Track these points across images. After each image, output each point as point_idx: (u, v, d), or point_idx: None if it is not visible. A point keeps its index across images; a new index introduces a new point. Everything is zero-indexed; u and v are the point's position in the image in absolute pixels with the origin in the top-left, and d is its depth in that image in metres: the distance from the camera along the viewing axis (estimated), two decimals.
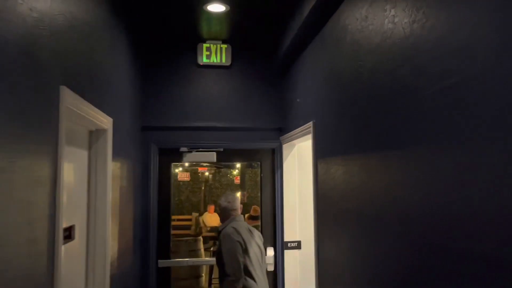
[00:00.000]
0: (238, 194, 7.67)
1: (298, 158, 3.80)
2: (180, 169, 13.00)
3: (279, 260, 3.77)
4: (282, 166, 3.79)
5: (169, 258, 3.74)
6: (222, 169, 13.81)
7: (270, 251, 3.79)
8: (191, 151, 3.77)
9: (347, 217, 2.10)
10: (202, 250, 6.48)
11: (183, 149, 3.73)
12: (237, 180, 12.84)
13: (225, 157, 3.88)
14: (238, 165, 8.88)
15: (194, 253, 6.21)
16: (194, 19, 3.27)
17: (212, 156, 3.79)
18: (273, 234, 3.84)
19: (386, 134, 1.61)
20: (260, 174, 3.92)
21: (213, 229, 11.07)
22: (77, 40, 1.74)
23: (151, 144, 3.67)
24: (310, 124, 2.80)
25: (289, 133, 3.47)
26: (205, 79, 3.78)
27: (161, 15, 3.16)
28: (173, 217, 12.46)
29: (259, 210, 4.01)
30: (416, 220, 1.33)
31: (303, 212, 3.74)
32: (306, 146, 3.70)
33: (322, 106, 2.59)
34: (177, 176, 12.64)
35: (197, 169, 12.75)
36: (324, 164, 2.51)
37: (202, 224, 11.38)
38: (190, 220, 12.58)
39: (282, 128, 3.79)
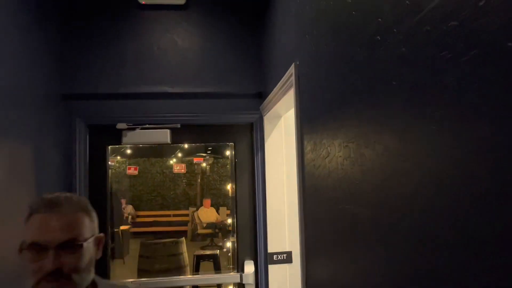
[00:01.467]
0: (229, 186, 6.51)
1: (286, 134, 2.68)
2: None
3: (261, 279, 2.68)
4: (264, 147, 2.68)
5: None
6: (221, 160, 12.76)
7: (249, 267, 2.70)
8: (134, 129, 2.67)
9: (355, 225, 1.00)
10: (185, 254, 5.40)
11: (121, 125, 2.63)
12: None
13: (184, 137, 2.78)
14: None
15: (174, 259, 5.14)
16: None
17: (165, 135, 2.69)
18: (253, 243, 2.74)
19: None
20: (234, 159, 2.81)
21: (209, 225, 10.07)
22: None
23: (76, 119, 2.58)
24: (291, 70, 1.68)
25: (269, 95, 2.35)
26: (151, 26, 2.66)
27: None
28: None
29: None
30: None
31: (294, 211, 2.64)
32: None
33: (310, 38, 1.47)
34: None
35: (193, 160, 11.74)
36: (315, 137, 1.40)
37: (197, 220, 10.35)
38: (187, 215, 11.58)
39: (263, 93, 2.67)
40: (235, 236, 2.83)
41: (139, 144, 2.85)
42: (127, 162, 12.07)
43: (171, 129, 2.71)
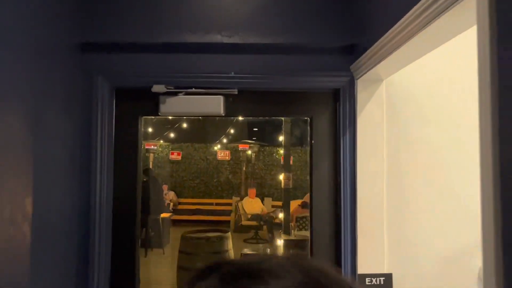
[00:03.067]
0: (281, 177, 5.88)
1: (390, 107, 1.85)
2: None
3: None
4: (355, 123, 1.87)
5: None
6: (268, 148, 12.00)
7: None
8: (176, 94, 1.94)
9: None
10: (231, 252, 4.71)
11: (158, 88, 1.90)
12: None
13: (242, 107, 2.01)
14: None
15: (218, 257, 4.46)
16: None
17: (216, 104, 1.94)
18: (334, 256, 1.95)
19: None
20: (310, 140, 2.02)
21: (254, 217, 9.37)
22: None
23: (97, 78, 1.89)
24: None
25: (374, 47, 1.53)
26: None
27: None
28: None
29: None
30: None
31: (399, 216, 1.83)
32: (410, 79, 1.79)
33: None
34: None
35: (238, 147, 11.07)
36: None
37: (241, 211, 9.70)
38: (230, 205, 10.97)
39: (358, 46, 1.85)
40: (308, 245, 2.06)
41: (181, 115, 2.11)
42: (170, 147, 11.63)
43: (225, 95, 1.96)
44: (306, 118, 2.04)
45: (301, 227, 5.73)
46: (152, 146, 10.44)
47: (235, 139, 10.76)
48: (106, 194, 1.89)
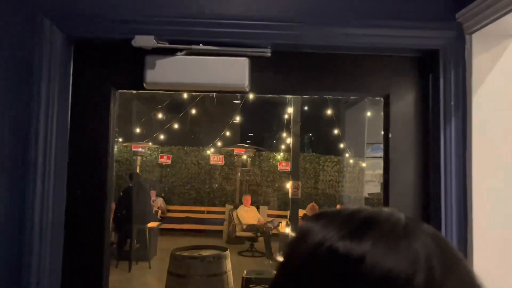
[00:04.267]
0: (289, 185, 5.09)
1: None
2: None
3: None
4: (465, 107, 1.14)
5: None
6: (264, 152, 11.22)
7: None
8: (172, 52, 1.19)
9: None
10: (230, 274, 3.93)
11: (144, 40, 1.15)
12: (284, 166, 10.16)
13: (278, 79, 1.26)
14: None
15: (215, 280, 3.69)
16: None
17: (239, 72, 1.19)
18: None
19: None
20: (385, 132, 1.28)
21: (250, 227, 8.56)
22: None
23: (43, 23, 1.14)
24: None
25: None
26: None
27: None
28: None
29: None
30: None
31: None
32: None
33: None
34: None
35: (232, 151, 10.29)
36: None
37: (236, 221, 8.91)
38: (223, 213, 10.15)
39: None
40: None
41: (180, 90, 1.33)
42: (160, 150, 10.80)
43: (252, 58, 1.21)
44: (378, 97, 1.30)
45: None
46: (140, 149, 9.65)
47: (229, 142, 10.00)
48: (53, 200, 1.13)
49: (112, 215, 7.48)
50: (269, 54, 1.21)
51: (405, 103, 1.24)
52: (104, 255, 1.21)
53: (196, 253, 3.96)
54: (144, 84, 1.21)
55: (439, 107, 1.17)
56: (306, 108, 7.84)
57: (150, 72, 1.20)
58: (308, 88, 1.27)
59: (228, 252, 3.97)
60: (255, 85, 1.23)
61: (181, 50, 1.19)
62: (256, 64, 1.23)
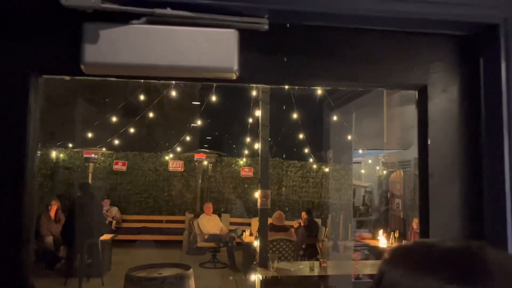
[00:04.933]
0: (257, 194, 4.66)
1: None
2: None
3: None
4: None
5: None
6: (226, 158, 10.79)
7: None
8: (126, 19, 0.80)
9: None
10: None
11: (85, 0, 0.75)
12: (247, 172, 9.78)
13: (281, 63, 0.90)
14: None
15: None
16: None
17: (224, 50, 0.82)
18: None
19: None
20: (419, 135, 0.94)
21: (212, 237, 8.08)
22: None
23: None
24: None
25: None
26: None
27: None
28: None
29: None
30: None
31: None
32: None
33: None
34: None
35: (193, 156, 9.78)
36: None
37: (197, 231, 8.41)
38: (182, 222, 9.60)
39: None
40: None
41: (135, 76, 0.92)
42: (114, 156, 10.09)
43: (242, 32, 0.84)
44: (412, 90, 0.96)
45: (280, 256, 4.63)
46: (93, 155, 8.94)
47: (189, 147, 9.50)
48: None
49: (61, 228, 6.86)
50: (266, 27, 0.85)
51: (448, 98, 0.92)
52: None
53: (155, 273, 3.50)
54: (82, 66, 0.80)
55: (498, 100, 0.85)
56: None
57: (90, 49, 0.79)
58: (319, 77, 0.91)
59: (191, 271, 3.54)
60: (246, 70, 0.86)
61: (138, 15, 0.80)
62: (248, 41, 0.86)
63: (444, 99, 0.93)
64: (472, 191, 0.91)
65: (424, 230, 0.91)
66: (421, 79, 0.93)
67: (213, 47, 0.82)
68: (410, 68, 0.93)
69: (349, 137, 7.60)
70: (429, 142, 0.92)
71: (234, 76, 0.85)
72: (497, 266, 0.44)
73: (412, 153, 9.14)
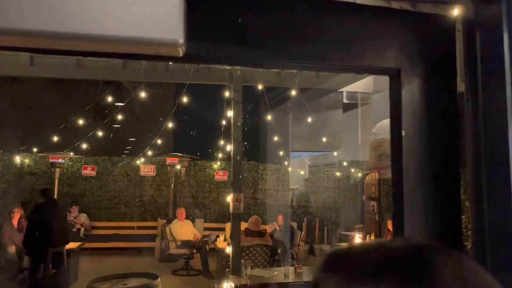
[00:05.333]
0: (230, 198, 4.45)
1: None
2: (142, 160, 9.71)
3: None
4: None
5: None
6: (199, 162, 10.58)
7: None
8: None
9: None
10: None
11: None
12: (221, 176, 9.59)
13: (239, 36, 0.76)
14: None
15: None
16: None
17: (169, 13, 0.67)
18: None
19: None
20: (394, 121, 0.82)
21: (184, 243, 7.84)
22: None
23: None
24: None
25: None
26: None
27: None
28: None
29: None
30: None
31: None
32: None
33: None
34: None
35: (165, 160, 9.52)
36: None
37: (169, 237, 8.16)
38: (154, 228, 9.33)
39: None
40: None
41: (35, 48, 0.77)
42: (83, 161, 9.71)
43: None
44: (383, 74, 0.85)
45: (256, 262, 4.46)
46: (60, 160, 8.57)
47: (162, 151, 9.25)
48: None
49: (22, 237, 6.51)
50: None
51: (424, 84, 0.80)
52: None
53: (119, 284, 3.29)
54: None
55: (478, 86, 0.74)
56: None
57: None
58: (281, 58, 0.78)
59: (159, 280, 3.35)
60: (194, 46, 0.72)
61: None
62: (197, 11, 0.72)
63: (419, 85, 0.81)
64: (450, 187, 0.80)
65: (398, 230, 0.79)
66: (394, 62, 0.81)
67: (150, 9, 0.68)
68: (382, 49, 0.81)
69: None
70: (403, 134, 0.80)
71: (180, 53, 0.71)
72: (444, 268, 0.41)
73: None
